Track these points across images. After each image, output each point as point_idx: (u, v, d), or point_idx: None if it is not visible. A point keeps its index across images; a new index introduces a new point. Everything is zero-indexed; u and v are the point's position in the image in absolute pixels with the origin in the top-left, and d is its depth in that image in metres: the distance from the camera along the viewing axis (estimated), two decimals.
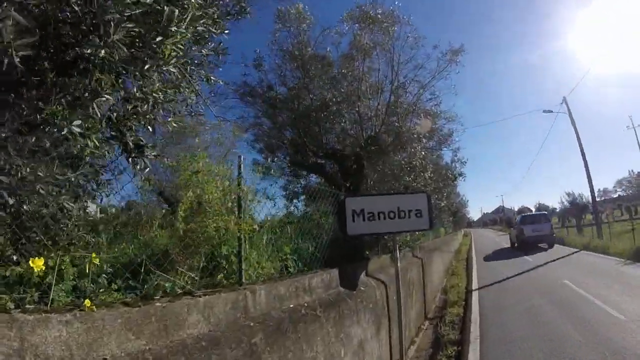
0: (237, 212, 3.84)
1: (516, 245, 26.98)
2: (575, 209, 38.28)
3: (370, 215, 5.99)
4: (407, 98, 8.18)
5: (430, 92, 8.61)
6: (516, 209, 72.45)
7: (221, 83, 4.24)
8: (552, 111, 27.45)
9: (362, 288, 5.55)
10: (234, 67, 8.86)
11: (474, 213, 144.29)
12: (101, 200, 3.73)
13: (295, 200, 10.15)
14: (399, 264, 6.25)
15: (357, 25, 8.36)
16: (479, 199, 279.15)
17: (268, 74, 8.89)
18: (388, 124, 8.42)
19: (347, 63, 8.66)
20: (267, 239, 4.84)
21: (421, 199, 6.06)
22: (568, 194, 39.67)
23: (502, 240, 38.06)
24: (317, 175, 9.96)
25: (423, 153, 7.94)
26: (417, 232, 8.96)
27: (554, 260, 18.49)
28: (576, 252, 22.41)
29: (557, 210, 47.33)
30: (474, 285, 13.20)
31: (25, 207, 2.04)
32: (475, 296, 11.17)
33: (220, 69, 4.28)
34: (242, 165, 4.22)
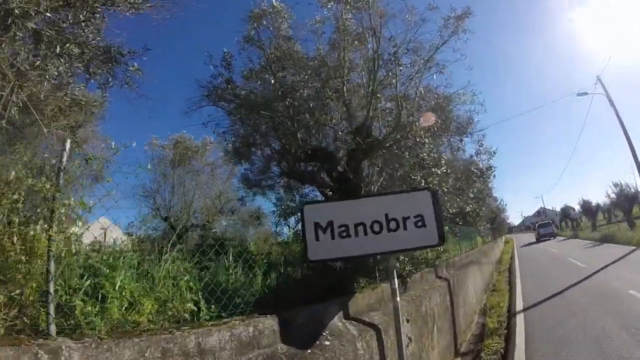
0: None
1: (537, 239, 44.69)
2: (624, 200, 33.40)
3: (342, 229, 3.90)
4: (402, 75, 6.15)
5: (436, 67, 6.49)
6: (558, 209, 66.74)
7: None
8: (586, 93, 23.64)
9: (327, 342, 3.39)
10: (205, 68, 7.21)
11: (514, 218, 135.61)
12: None
13: (291, 218, 8.23)
14: (398, 298, 4.07)
15: (338, 5, 6.53)
16: (518, 202, 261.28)
17: (239, 73, 7.17)
18: (383, 110, 6.40)
19: (332, 52, 6.84)
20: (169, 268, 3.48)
21: (423, 199, 3.88)
22: (615, 185, 34.69)
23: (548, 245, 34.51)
24: (310, 185, 7.99)
25: (426, 141, 5.81)
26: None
27: (610, 264, 15.10)
28: (633, 250, 18.94)
29: (602, 205, 42.06)
30: (519, 304, 10.31)
31: None
32: (520, 321, 8.56)
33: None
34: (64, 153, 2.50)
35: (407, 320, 4.80)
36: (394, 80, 6.20)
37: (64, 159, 2.65)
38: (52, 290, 2.30)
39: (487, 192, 21.57)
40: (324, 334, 3.54)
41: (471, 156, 8.00)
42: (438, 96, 7.20)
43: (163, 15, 5.47)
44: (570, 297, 10.44)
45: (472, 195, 6.41)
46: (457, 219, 7.88)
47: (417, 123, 6.17)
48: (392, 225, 3.84)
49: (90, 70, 4.89)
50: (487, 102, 7.79)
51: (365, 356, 3.71)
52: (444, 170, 6.10)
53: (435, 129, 6.92)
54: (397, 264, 5.58)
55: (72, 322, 2.44)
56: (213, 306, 3.28)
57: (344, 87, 6.04)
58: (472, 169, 7.21)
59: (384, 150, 6.41)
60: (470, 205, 6.47)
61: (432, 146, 6.14)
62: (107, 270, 3.10)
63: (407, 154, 6.15)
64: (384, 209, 3.90)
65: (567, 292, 11.17)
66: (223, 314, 3.23)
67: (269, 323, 3.11)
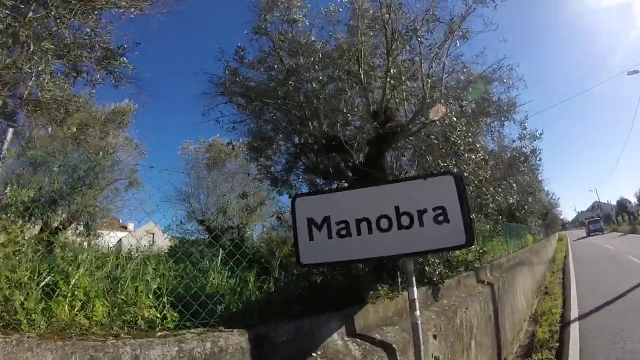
0: None
1: (587, 234, 48.29)
2: None
3: (341, 227, 3.11)
4: (425, 49, 5.18)
5: (464, 40, 5.45)
6: (614, 202, 61.14)
7: None
8: (637, 71, 20.81)
9: None
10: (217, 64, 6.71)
11: (567, 213, 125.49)
12: None
13: None
14: (418, 312, 3.17)
15: None
16: (571, 197, 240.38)
17: (249, 65, 6.58)
18: (406, 92, 5.49)
19: (349, 39, 6.08)
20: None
21: (445, 186, 2.92)
22: None
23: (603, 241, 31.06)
24: (337, 180, 7.19)
25: (456, 121, 4.82)
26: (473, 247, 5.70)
27: None
28: None
29: None
30: (573, 309, 8.79)
31: None
32: (575, 330, 7.09)
33: None
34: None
35: (435, 337, 3.90)
36: (416, 58, 5.30)
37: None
38: None
39: (536, 186, 19.51)
40: (314, 354, 2.78)
41: (513, 141, 6.80)
42: (469, 73, 6.14)
43: (160, 10, 5.21)
44: (633, 301, 8.76)
45: (515, 186, 5.31)
46: (501, 216, 6.73)
47: (444, 103, 5.23)
48: (404, 220, 2.98)
49: (77, 68, 4.59)
50: (527, 83, 6.58)
51: None
52: (481, 157, 5.07)
53: (470, 110, 5.90)
54: (426, 267, 4.69)
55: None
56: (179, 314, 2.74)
57: (360, 69, 5.24)
58: (515, 154, 6.01)
59: (410, 137, 5.51)
60: (514, 198, 5.35)
61: (464, 128, 5.13)
62: (69, 268, 2.78)
63: (436, 139, 5.22)
64: (393, 199, 3.05)
65: (629, 295, 9.46)
66: (188, 324, 2.64)
67: (235, 340, 2.42)
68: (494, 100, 6.57)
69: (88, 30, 4.80)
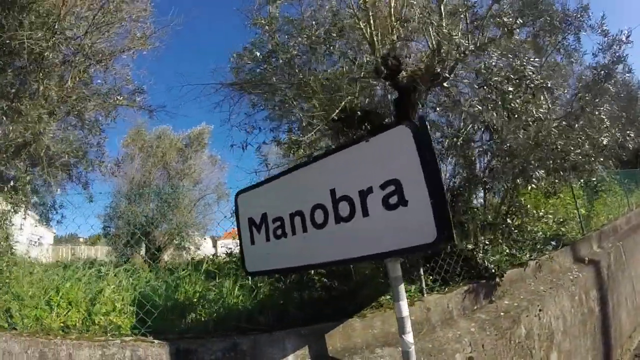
0: None
1: None
2: None
3: (277, 224, 2.22)
4: None
5: None
6: None
7: None
8: None
9: None
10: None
11: None
12: None
13: None
14: (408, 336, 2.00)
15: None
16: None
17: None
18: (423, 27, 3.94)
19: None
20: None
21: (398, 146, 1.74)
22: None
23: None
24: None
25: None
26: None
27: None
28: None
29: None
30: None
31: None
32: None
33: None
34: None
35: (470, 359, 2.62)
36: None
37: None
38: None
39: None
40: None
41: (594, 55, 4.08)
42: None
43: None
44: None
45: (606, 119, 3.22)
46: (612, 160, 4.45)
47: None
48: (343, 209, 1.91)
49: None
50: None
51: None
52: (542, 84, 3.25)
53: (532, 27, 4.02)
54: (473, 253, 3.29)
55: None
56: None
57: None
58: (594, 71, 3.67)
59: (437, 88, 4.03)
60: (607, 136, 3.27)
61: (503, 53, 3.38)
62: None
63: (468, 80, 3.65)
64: (328, 180, 2.00)
65: None
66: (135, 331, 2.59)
67: (155, 351, 2.28)
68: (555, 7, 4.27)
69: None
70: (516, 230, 3.34)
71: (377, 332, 2.61)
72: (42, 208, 4.49)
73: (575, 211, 4.69)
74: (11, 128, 3.47)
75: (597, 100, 3.22)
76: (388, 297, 2.89)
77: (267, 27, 4.05)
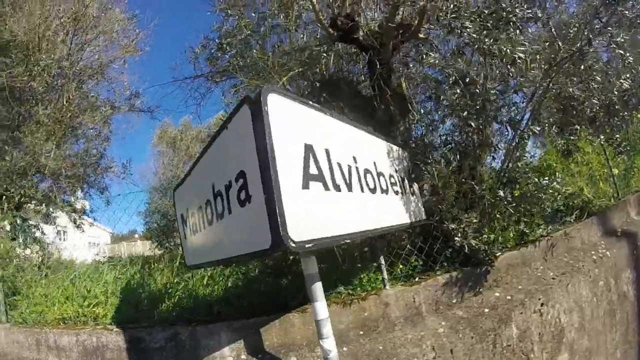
0: None
1: None
2: None
3: (193, 219, 2.14)
4: None
5: None
6: None
7: None
8: None
9: None
10: None
11: None
12: None
13: None
14: (327, 340, 1.66)
15: None
16: None
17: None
18: None
19: None
20: None
21: (242, 130, 1.34)
22: None
23: None
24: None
25: None
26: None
27: None
28: None
29: None
30: None
31: None
32: None
33: None
34: None
35: None
36: None
37: None
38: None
39: None
40: None
41: None
42: None
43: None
44: None
45: (623, 52, 2.16)
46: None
47: None
48: (217, 206, 1.64)
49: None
50: None
51: None
52: (527, 15, 2.35)
53: None
54: (454, 231, 2.69)
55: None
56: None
57: None
58: None
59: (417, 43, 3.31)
60: (628, 78, 2.21)
61: None
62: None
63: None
64: (206, 173, 1.73)
65: None
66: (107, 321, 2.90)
67: (114, 338, 2.60)
68: None
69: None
70: (514, 203, 2.62)
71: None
72: (74, 215, 4.97)
73: (606, 171, 3.54)
74: (14, 154, 3.88)
75: (610, 29, 2.27)
76: (341, 289, 2.53)
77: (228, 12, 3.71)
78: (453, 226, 2.60)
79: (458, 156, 2.70)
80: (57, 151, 4.19)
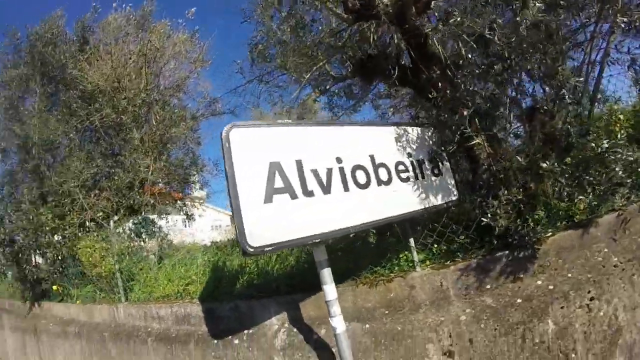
0: None
1: None
2: None
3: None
4: None
5: None
6: None
7: None
8: None
9: (237, 341, 2.96)
10: None
11: None
12: None
13: None
14: (336, 318, 1.96)
15: None
16: None
17: None
18: None
19: None
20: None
21: None
22: None
23: None
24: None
25: None
26: None
27: None
28: None
29: None
30: None
31: None
32: None
33: None
34: None
35: (448, 354, 2.14)
36: None
37: None
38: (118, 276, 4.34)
39: None
40: (245, 331, 2.94)
41: None
42: None
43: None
44: None
45: None
46: None
47: None
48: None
49: None
50: None
51: None
52: None
53: None
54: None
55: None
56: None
57: None
58: None
59: None
60: None
61: None
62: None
63: None
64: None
65: None
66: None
67: (195, 309, 3.38)
68: None
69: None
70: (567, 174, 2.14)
71: (347, 306, 2.51)
72: (186, 207, 6.45)
73: None
74: (120, 174, 5.32)
75: None
76: (367, 272, 2.63)
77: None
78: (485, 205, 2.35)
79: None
80: (154, 165, 5.41)
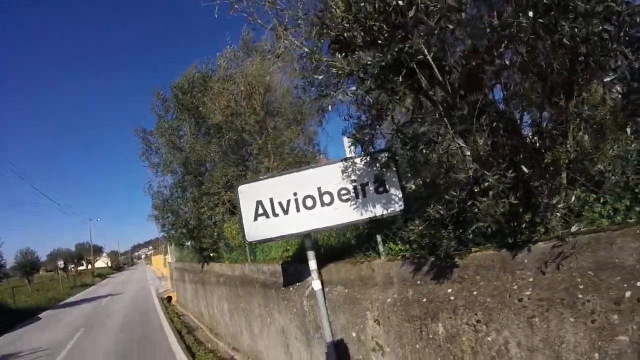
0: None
1: None
2: None
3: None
4: None
5: None
6: None
7: None
8: None
9: (292, 289, 5.01)
10: None
11: None
12: None
13: None
14: (315, 281, 3.25)
15: None
16: None
17: None
18: None
19: None
20: None
21: None
22: None
23: None
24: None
25: None
26: None
27: None
28: None
29: None
30: None
31: None
32: None
33: None
34: None
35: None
36: None
37: None
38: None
39: None
40: (302, 281, 4.38)
41: None
42: None
43: None
44: None
45: None
46: None
47: None
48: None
49: None
50: None
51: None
52: None
53: None
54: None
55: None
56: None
57: None
58: None
59: None
60: None
61: None
62: None
63: None
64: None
65: None
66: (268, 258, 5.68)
67: (277, 267, 5.11)
68: None
69: None
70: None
71: (340, 276, 3.63)
72: None
73: None
74: (247, 176, 7.90)
75: None
76: (353, 258, 3.55)
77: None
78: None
79: None
80: (272, 164, 7.63)
